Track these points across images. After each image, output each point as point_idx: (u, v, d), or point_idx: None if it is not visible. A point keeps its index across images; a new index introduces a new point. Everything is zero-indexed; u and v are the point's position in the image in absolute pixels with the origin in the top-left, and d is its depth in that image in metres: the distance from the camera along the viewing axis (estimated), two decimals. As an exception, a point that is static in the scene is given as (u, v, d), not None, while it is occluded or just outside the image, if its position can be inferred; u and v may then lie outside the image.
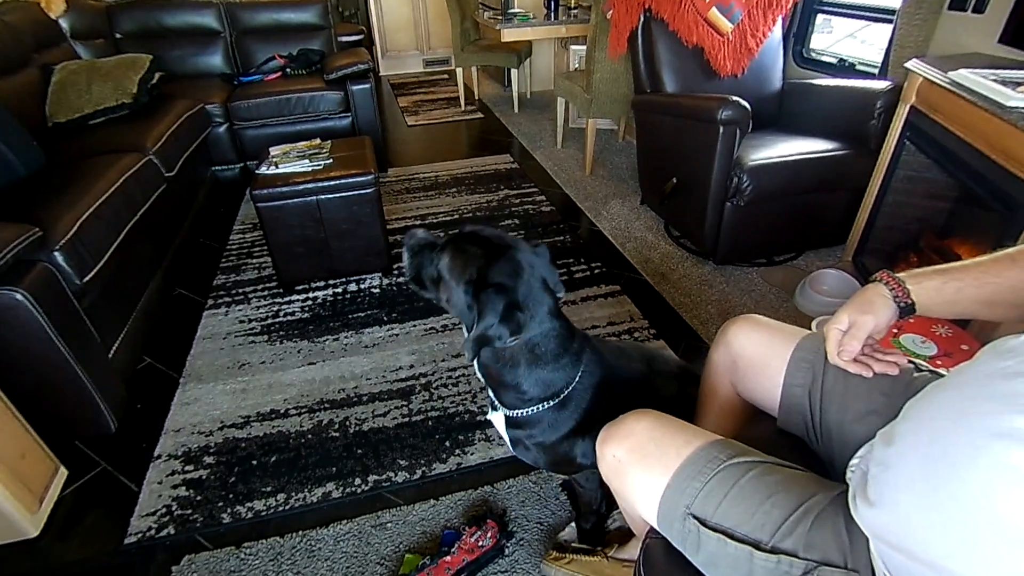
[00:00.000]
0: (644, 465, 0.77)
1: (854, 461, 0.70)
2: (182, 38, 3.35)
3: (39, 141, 1.99)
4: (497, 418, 1.07)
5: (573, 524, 1.31)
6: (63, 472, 1.49)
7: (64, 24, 2.93)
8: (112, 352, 1.69)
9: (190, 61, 3.36)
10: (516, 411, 1.01)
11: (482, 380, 1.04)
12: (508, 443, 1.10)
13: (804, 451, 0.86)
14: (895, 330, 1.49)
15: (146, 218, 2.00)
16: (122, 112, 2.53)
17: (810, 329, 0.94)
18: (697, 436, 0.77)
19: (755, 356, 0.91)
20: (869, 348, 0.78)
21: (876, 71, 2.30)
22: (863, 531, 0.61)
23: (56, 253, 1.49)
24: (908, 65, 1.74)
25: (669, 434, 0.78)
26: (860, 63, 2.44)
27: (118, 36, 3.25)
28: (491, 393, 1.04)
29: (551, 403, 0.98)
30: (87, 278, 1.58)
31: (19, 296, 1.31)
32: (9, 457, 1.31)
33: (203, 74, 3.36)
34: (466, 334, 0.97)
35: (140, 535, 1.36)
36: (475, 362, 1.01)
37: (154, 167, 2.19)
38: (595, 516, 1.24)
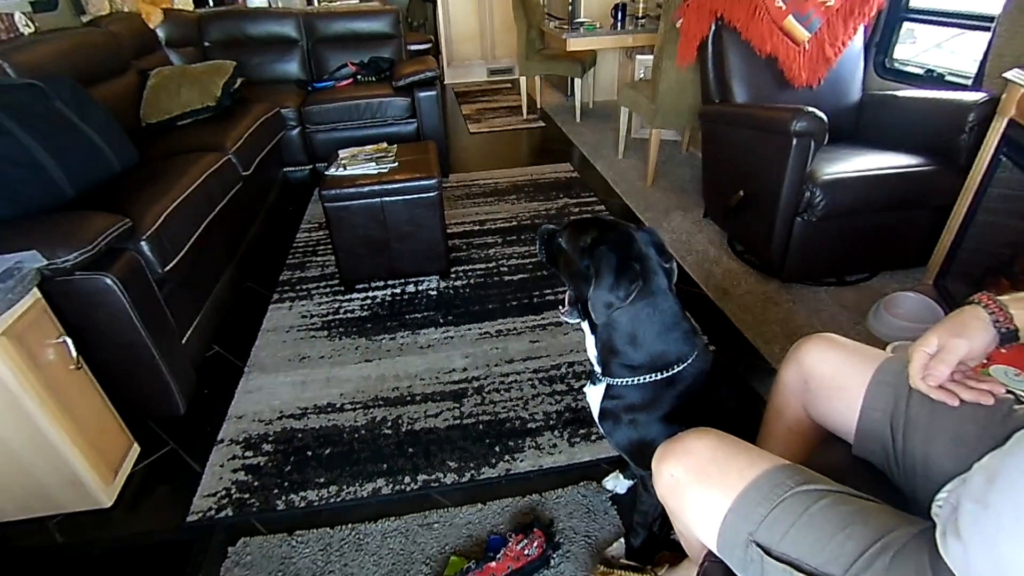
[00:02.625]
0: (704, 486, 0.73)
1: (942, 495, 0.64)
2: (263, 46, 3.55)
3: (133, 140, 2.14)
4: (595, 391, 1.10)
5: (622, 540, 1.28)
6: (136, 448, 1.59)
7: (161, 33, 3.17)
8: (185, 339, 1.79)
9: (269, 68, 3.54)
10: (622, 379, 1.03)
11: (593, 350, 1.07)
12: (596, 416, 1.12)
13: (882, 482, 0.80)
14: (984, 360, 1.37)
15: (223, 214, 2.12)
16: (206, 114, 2.70)
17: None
18: (762, 459, 0.73)
19: (830, 377, 0.85)
20: (960, 375, 0.72)
21: (968, 82, 2.14)
22: (952, 572, 0.55)
23: (143, 243, 1.59)
24: (1008, 75, 1.61)
25: (732, 455, 0.74)
26: (950, 74, 2.28)
27: (206, 44, 3.47)
28: (596, 365, 1.07)
29: (659, 376, 1.00)
30: (168, 267, 1.68)
31: (109, 281, 1.41)
32: (91, 430, 1.40)
33: (280, 80, 3.54)
34: (574, 316, 1.08)
35: (201, 514, 1.42)
36: (589, 333, 1.06)
37: (232, 166, 2.31)
38: (646, 532, 1.20)
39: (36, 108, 1.73)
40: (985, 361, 1.39)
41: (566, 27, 4.00)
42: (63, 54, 2.26)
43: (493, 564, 1.21)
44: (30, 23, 2.45)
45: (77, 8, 2.87)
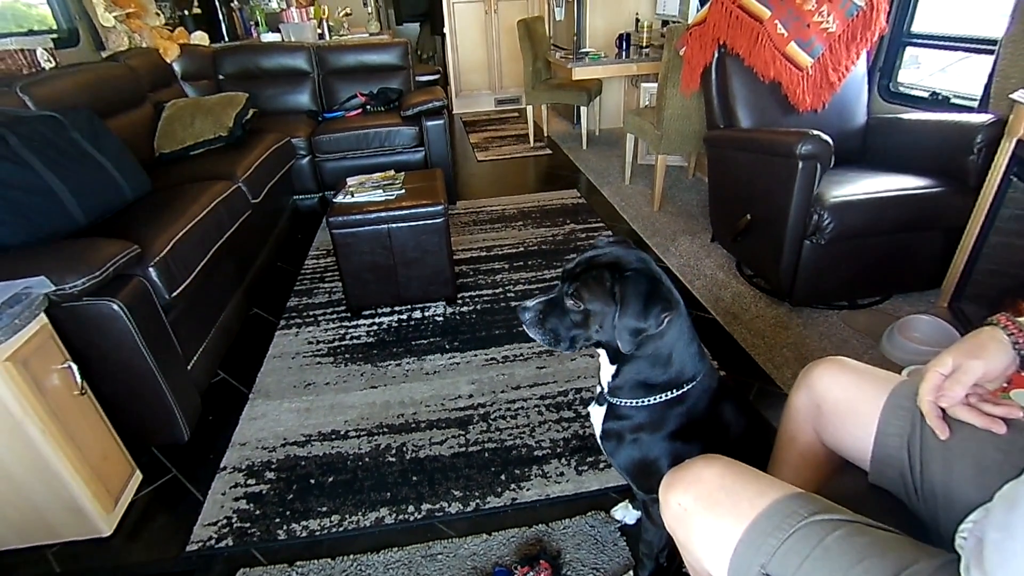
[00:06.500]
0: (713, 515, 0.70)
1: (966, 525, 0.61)
2: (275, 78, 3.63)
3: (147, 169, 2.18)
4: (599, 411, 1.08)
5: (631, 573, 1.23)
6: (138, 476, 1.57)
7: (177, 67, 3.26)
8: (191, 365, 1.78)
9: (281, 99, 3.62)
10: (627, 400, 1.00)
11: (608, 376, 1.03)
12: (599, 437, 1.09)
13: (901, 511, 0.76)
14: (1005, 384, 1.33)
15: (231, 241, 2.13)
16: (218, 144, 2.75)
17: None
18: (774, 487, 0.70)
19: (843, 401, 0.83)
20: (976, 398, 0.69)
21: (974, 104, 2.14)
22: (979, 609, 0.52)
23: (151, 269, 1.61)
24: (1015, 96, 1.61)
25: (742, 483, 0.71)
26: (956, 96, 2.28)
27: (221, 77, 3.56)
28: (604, 384, 1.04)
29: (668, 395, 0.97)
30: (175, 293, 1.68)
31: (115, 306, 1.41)
32: (94, 457, 1.39)
33: (292, 110, 3.62)
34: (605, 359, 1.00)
35: (201, 544, 1.40)
36: (608, 364, 1.01)
37: (242, 194, 2.34)
38: (652, 563, 1.15)
39: (52, 138, 1.77)
40: (1005, 385, 1.36)
41: (571, 57, 4.07)
42: (82, 87, 2.32)
43: (498, 598, 1.17)
44: (51, 58, 2.53)
45: (97, 44, 2.97)
